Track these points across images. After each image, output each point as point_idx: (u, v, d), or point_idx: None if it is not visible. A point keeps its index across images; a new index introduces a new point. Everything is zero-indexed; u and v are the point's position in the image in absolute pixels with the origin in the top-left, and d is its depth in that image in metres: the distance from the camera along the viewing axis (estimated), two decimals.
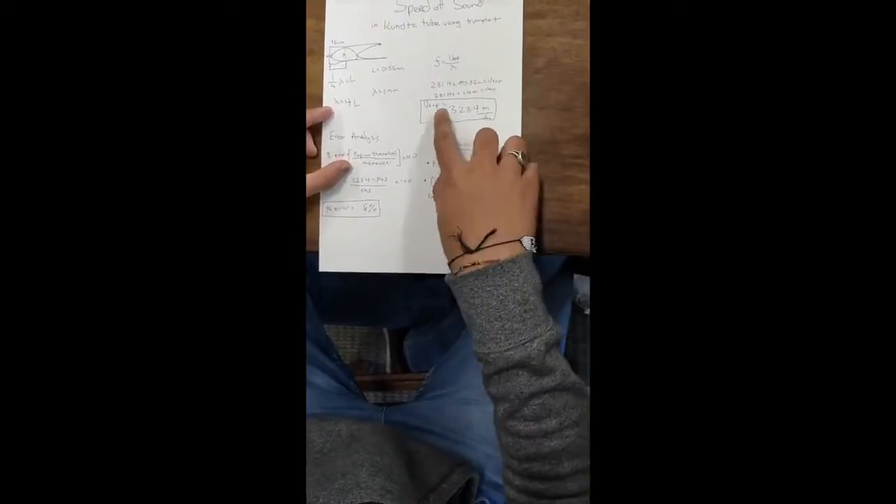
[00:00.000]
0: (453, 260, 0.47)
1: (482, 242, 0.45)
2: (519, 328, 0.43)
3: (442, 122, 0.51)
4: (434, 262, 0.54)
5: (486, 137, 0.50)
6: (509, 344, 0.43)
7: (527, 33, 0.52)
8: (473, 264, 0.45)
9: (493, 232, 0.45)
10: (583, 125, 0.52)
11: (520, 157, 0.49)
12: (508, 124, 0.52)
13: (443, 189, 0.49)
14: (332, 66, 0.54)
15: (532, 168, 0.50)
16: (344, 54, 0.54)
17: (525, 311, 0.43)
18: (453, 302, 1.00)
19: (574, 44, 0.52)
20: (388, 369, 1.05)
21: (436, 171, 0.53)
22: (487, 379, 0.45)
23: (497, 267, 0.44)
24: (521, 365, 0.43)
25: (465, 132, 0.53)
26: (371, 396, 0.82)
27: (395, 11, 0.53)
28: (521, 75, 0.52)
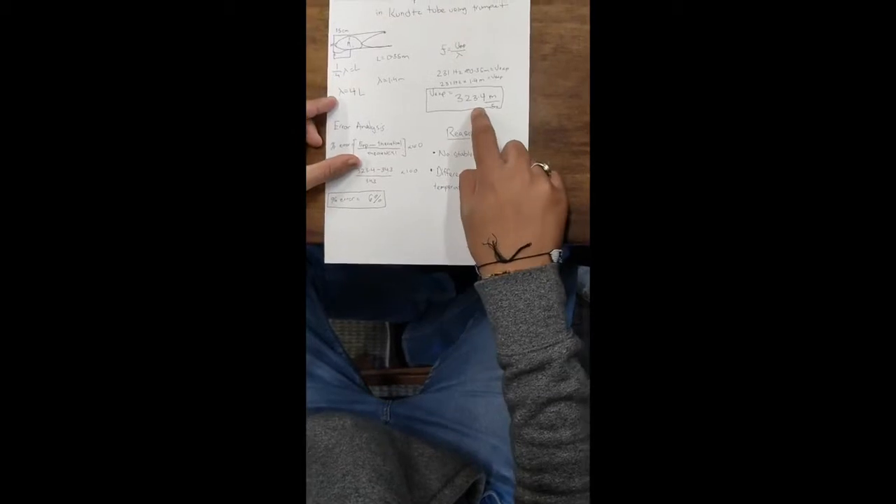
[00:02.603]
0: (484, 265, 0.48)
1: (515, 254, 0.47)
2: (542, 332, 0.44)
3: (481, 116, 0.51)
4: (440, 253, 0.54)
5: (520, 146, 0.50)
6: (532, 346, 0.44)
7: (534, 19, 0.51)
8: (505, 272, 0.47)
9: (527, 245, 0.47)
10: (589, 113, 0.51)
11: (545, 167, 0.50)
12: (516, 112, 0.51)
13: (482, 190, 0.48)
14: (337, 55, 0.53)
15: (558, 178, 0.50)
16: (348, 42, 0.53)
17: (549, 317, 0.45)
18: (458, 296, 1.00)
19: (582, 30, 0.51)
20: (387, 363, 1.04)
21: (442, 160, 0.53)
22: (508, 383, 0.46)
23: (526, 273, 0.46)
24: (541, 367, 0.44)
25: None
26: (376, 391, 0.82)
27: None
28: (528, 62, 0.51)
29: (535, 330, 0.44)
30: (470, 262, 0.53)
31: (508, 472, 0.62)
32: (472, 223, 0.49)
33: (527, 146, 0.52)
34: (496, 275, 0.47)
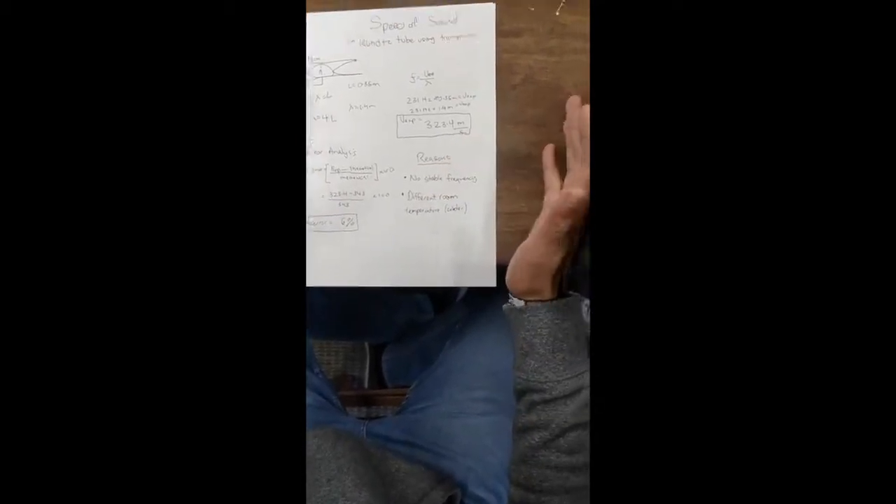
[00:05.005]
0: (541, 295, 0.48)
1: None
2: (576, 360, 0.46)
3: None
4: (412, 275, 0.55)
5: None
6: (567, 374, 0.46)
7: (503, 51, 0.53)
8: (551, 300, 0.48)
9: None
10: (557, 140, 0.52)
11: None
12: (483, 138, 0.53)
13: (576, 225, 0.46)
14: (310, 82, 0.54)
15: None
16: (321, 70, 0.54)
17: (580, 346, 0.47)
18: (437, 317, 0.99)
19: (549, 61, 0.53)
20: (366, 384, 1.04)
21: (413, 185, 0.54)
22: (531, 407, 0.47)
23: (567, 302, 0.47)
24: (573, 394, 0.45)
25: (442, 146, 0.53)
26: (354, 412, 0.82)
27: (371, 28, 0.53)
28: (494, 90, 0.53)
29: (571, 358, 0.46)
30: (441, 284, 0.54)
31: (483, 493, 0.62)
32: (557, 256, 0.47)
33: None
34: (537, 301, 0.47)
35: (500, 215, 0.53)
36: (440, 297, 0.95)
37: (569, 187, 0.46)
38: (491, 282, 0.53)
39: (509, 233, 0.53)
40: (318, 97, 0.54)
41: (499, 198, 0.53)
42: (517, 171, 0.53)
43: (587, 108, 0.47)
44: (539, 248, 0.47)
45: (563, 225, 0.45)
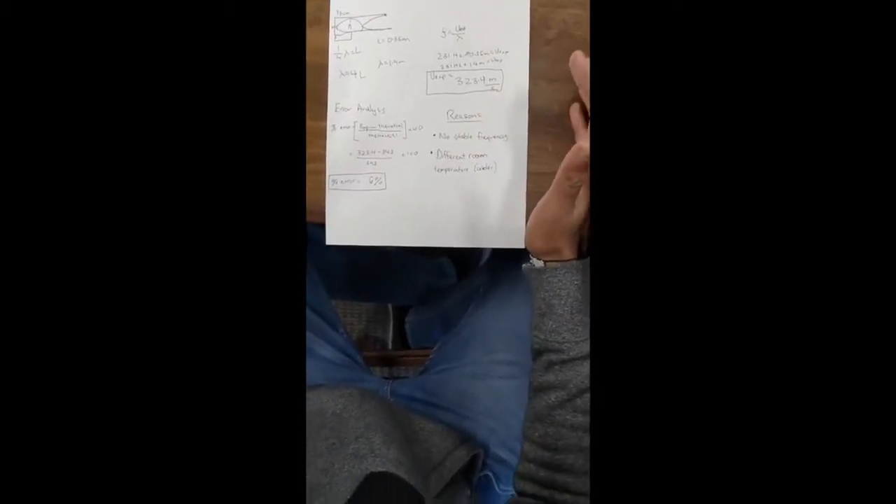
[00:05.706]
0: (560, 255, 0.48)
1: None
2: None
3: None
4: (440, 235, 0.54)
5: None
6: (584, 336, 0.46)
7: (538, 4, 0.51)
8: (570, 260, 0.48)
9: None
10: None
11: None
12: (516, 96, 0.52)
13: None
14: (338, 37, 0.53)
15: None
16: (349, 25, 0.53)
17: None
18: (459, 281, 1.00)
19: (585, 15, 0.51)
20: (390, 345, 1.05)
21: (442, 143, 0.53)
22: (549, 367, 0.47)
23: (587, 263, 0.47)
24: (589, 356, 0.45)
25: (472, 104, 0.52)
26: (377, 372, 0.83)
27: None
28: (528, 46, 0.51)
29: (586, 320, 0.46)
30: (469, 244, 0.54)
31: (505, 454, 0.63)
32: (577, 222, 0.47)
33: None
34: (556, 261, 0.47)
35: (531, 175, 0.53)
36: (463, 262, 0.95)
37: (581, 141, 0.45)
38: (519, 243, 0.52)
39: (539, 193, 0.52)
40: (346, 52, 0.53)
41: (530, 157, 0.52)
42: (549, 129, 0.52)
43: (586, 60, 0.47)
44: (553, 204, 0.46)
45: (576, 179, 0.44)
